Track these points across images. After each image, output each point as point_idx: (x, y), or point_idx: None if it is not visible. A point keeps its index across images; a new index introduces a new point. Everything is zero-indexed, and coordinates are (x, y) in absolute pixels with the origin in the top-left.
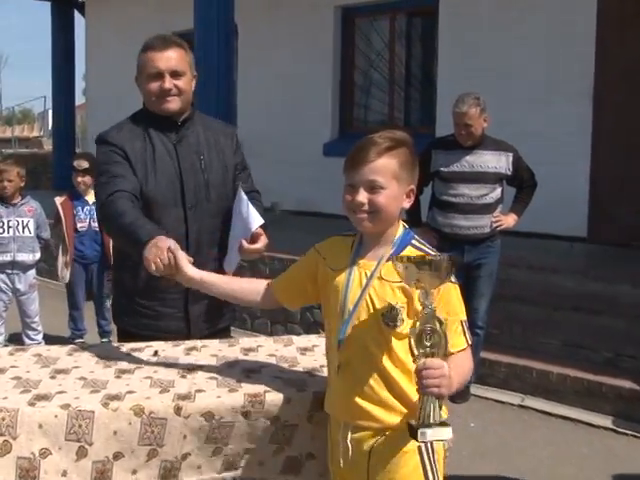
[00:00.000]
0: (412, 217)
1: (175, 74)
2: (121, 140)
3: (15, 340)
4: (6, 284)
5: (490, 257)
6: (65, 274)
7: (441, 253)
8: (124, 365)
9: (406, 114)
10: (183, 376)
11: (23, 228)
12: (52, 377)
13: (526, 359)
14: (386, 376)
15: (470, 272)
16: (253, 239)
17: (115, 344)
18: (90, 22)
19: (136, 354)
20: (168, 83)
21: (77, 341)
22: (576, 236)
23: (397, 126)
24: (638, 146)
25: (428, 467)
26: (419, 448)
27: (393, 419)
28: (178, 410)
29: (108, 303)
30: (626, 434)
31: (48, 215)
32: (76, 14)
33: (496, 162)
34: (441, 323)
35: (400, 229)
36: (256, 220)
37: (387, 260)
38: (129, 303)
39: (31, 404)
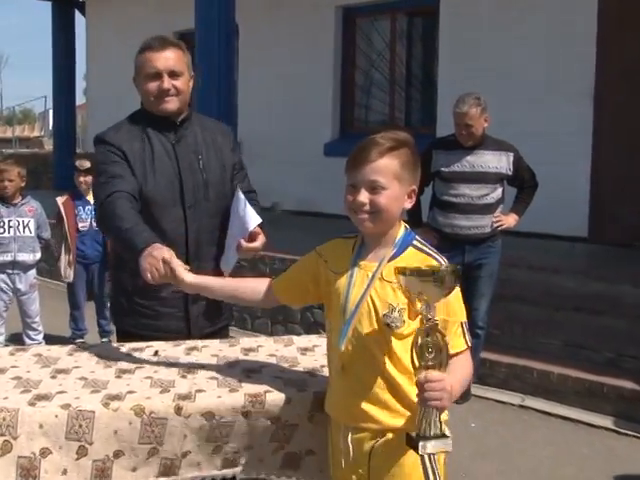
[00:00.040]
0: (413, 217)
1: (173, 74)
2: (119, 140)
3: (16, 340)
4: (7, 284)
5: (491, 257)
6: (69, 274)
7: (446, 264)
8: (125, 365)
9: (407, 114)
10: (183, 376)
11: (24, 228)
12: (52, 377)
13: (527, 359)
14: (387, 377)
15: (471, 272)
16: (251, 238)
17: (116, 344)
18: (91, 22)
19: (136, 354)
20: (166, 83)
21: (78, 341)
22: (577, 236)
23: (398, 126)
24: (639, 146)
25: (429, 468)
26: None
27: (394, 421)
28: (178, 410)
29: (109, 303)
30: (627, 435)
31: (49, 215)
32: (77, 14)
33: (497, 162)
34: (443, 336)
35: (401, 230)
36: (254, 219)
37: (388, 261)
38: (128, 303)
39: (31, 404)
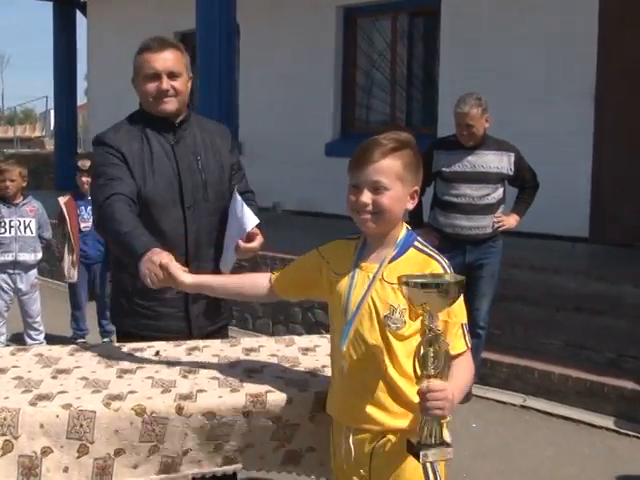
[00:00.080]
0: (414, 218)
1: (172, 75)
2: (118, 141)
3: (17, 340)
4: (8, 284)
5: (492, 257)
6: (73, 274)
7: (450, 272)
8: (126, 365)
9: (408, 114)
10: (185, 376)
11: (25, 228)
12: (53, 377)
13: (528, 359)
14: (388, 379)
15: (472, 272)
16: (249, 238)
17: (117, 344)
18: (92, 22)
19: (138, 354)
20: (165, 84)
21: (79, 341)
22: (578, 236)
23: (399, 126)
24: None
25: (429, 468)
26: None
27: (394, 422)
28: (180, 410)
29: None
30: (628, 435)
31: (50, 215)
32: (78, 14)
33: (498, 162)
34: (446, 345)
35: (403, 231)
36: (251, 220)
37: (389, 262)
38: (128, 304)
39: (32, 404)
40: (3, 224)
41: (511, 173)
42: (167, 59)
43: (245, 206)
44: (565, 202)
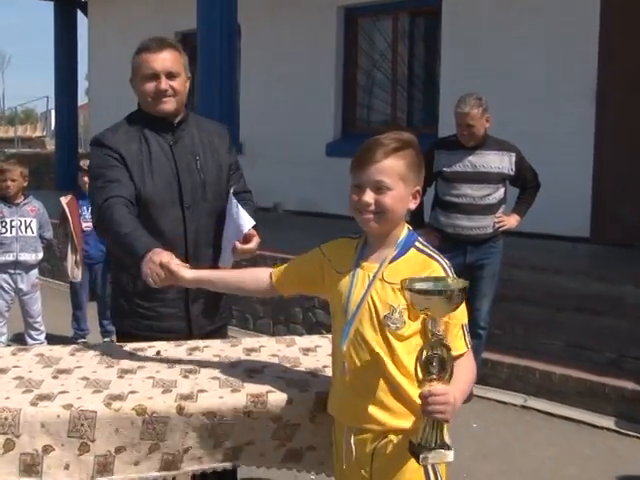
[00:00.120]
0: (415, 218)
1: (170, 75)
2: (117, 143)
3: (18, 340)
4: (9, 284)
5: (492, 257)
6: (77, 274)
7: (453, 276)
8: (126, 365)
9: (409, 114)
10: (185, 376)
11: (26, 228)
12: (54, 377)
13: (528, 360)
14: (389, 378)
15: (472, 272)
16: (246, 239)
17: (118, 344)
18: (93, 22)
19: (138, 354)
20: (164, 84)
21: (80, 341)
22: (579, 236)
23: (400, 126)
24: None
25: (430, 469)
26: None
27: (396, 422)
28: (180, 410)
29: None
30: (629, 435)
31: (50, 215)
32: (79, 14)
33: (499, 162)
34: (448, 349)
35: (404, 231)
36: (247, 222)
37: (390, 262)
38: (128, 304)
39: (33, 404)
40: (4, 224)
41: (512, 173)
42: (165, 59)
43: (240, 208)
44: (565, 202)
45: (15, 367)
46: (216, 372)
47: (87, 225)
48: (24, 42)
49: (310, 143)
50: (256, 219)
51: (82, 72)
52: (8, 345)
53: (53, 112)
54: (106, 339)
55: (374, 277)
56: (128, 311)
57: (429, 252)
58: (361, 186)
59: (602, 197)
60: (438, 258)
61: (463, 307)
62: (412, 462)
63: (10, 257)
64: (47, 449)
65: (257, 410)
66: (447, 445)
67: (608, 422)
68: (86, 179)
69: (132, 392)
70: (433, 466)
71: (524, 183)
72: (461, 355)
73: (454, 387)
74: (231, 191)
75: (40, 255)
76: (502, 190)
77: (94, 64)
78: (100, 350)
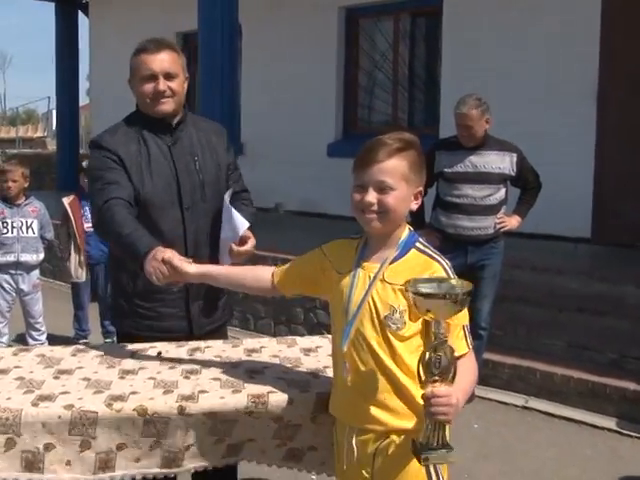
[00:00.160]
0: (416, 218)
1: (168, 76)
2: (115, 144)
3: (19, 340)
4: (10, 284)
5: (494, 258)
6: (81, 274)
7: (457, 279)
8: (128, 366)
9: (410, 115)
10: (187, 377)
11: (27, 228)
12: (56, 377)
13: (530, 360)
14: (390, 379)
15: (473, 273)
16: (241, 241)
17: (119, 345)
18: (94, 23)
19: (140, 355)
20: (162, 85)
21: (81, 342)
22: (580, 237)
23: (401, 127)
24: None
25: (431, 469)
26: None
27: (398, 422)
28: (181, 411)
29: None
30: (630, 436)
31: (52, 215)
32: (80, 14)
33: (500, 162)
34: (451, 351)
35: (405, 231)
36: (242, 224)
37: (390, 263)
38: (128, 305)
39: (34, 404)
40: (5, 225)
41: (513, 174)
42: (164, 60)
43: (234, 211)
44: (566, 203)
45: (16, 368)
46: (217, 373)
47: (89, 226)
48: (25, 42)
49: (311, 143)
50: (255, 219)
51: (83, 72)
52: (9, 346)
53: (54, 112)
54: (107, 340)
55: (375, 277)
56: (128, 311)
57: (430, 253)
58: (364, 186)
59: (603, 194)
60: (439, 259)
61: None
62: (414, 462)
63: (11, 258)
64: (48, 446)
65: (258, 410)
66: (449, 446)
67: (609, 423)
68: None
69: (133, 393)
70: (435, 466)
71: (525, 184)
72: (462, 356)
73: (456, 388)
74: (225, 196)
75: (41, 256)
76: (503, 191)
77: (95, 65)
78: (101, 351)
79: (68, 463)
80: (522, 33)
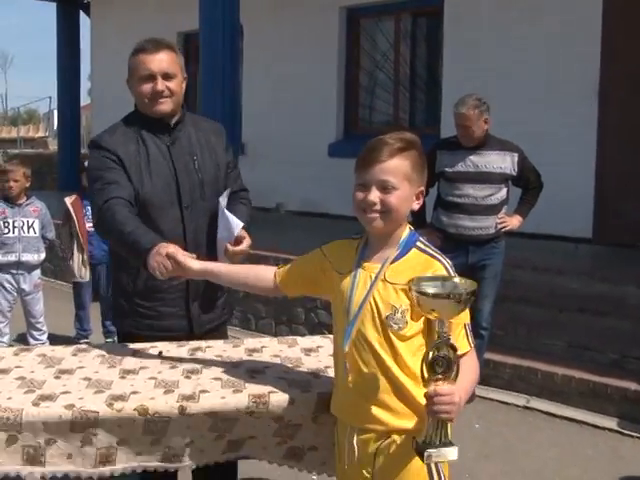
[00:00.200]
0: (417, 218)
1: (167, 76)
2: (114, 144)
3: (20, 340)
4: (11, 284)
5: (495, 258)
6: (84, 273)
7: (460, 278)
8: (128, 365)
9: (411, 115)
10: (187, 377)
11: (28, 228)
12: (56, 377)
13: (531, 360)
14: (392, 379)
15: (474, 273)
16: (237, 241)
17: (120, 344)
18: (95, 23)
19: (141, 355)
20: (160, 85)
21: (82, 341)
22: (581, 237)
23: (402, 127)
24: None
25: (433, 469)
26: None
27: (399, 422)
28: (182, 410)
29: None
30: (631, 436)
31: (53, 215)
32: (81, 14)
33: (501, 162)
34: (454, 350)
35: (406, 231)
36: (236, 225)
37: (391, 262)
38: (129, 304)
39: (35, 404)
40: (7, 224)
41: (514, 173)
42: (162, 60)
43: (228, 212)
44: (567, 203)
45: (17, 367)
46: (218, 372)
47: (91, 225)
48: (26, 42)
49: (312, 143)
50: (252, 218)
51: (84, 72)
52: (10, 345)
53: (56, 112)
54: (108, 339)
55: (376, 277)
56: (128, 311)
57: (431, 252)
58: (366, 185)
59: (604, 194)
60: (440, 258)
61: None
62: (415, 462)
63: (12, 257)
64: (50, 441)
65: (259, 410)
66: (451, 443)
67: (610, 423)
68: None
69: (134, 392)
70: (436, 466)
71: (526, 183)
72: (464, 354)
73: (458, 386)
74: (220, 198)
75: (42, 255)
76: (504, 190)
77: (96, 64)
78: (102, 350)
79: (69, 456)
80: (522, 33)
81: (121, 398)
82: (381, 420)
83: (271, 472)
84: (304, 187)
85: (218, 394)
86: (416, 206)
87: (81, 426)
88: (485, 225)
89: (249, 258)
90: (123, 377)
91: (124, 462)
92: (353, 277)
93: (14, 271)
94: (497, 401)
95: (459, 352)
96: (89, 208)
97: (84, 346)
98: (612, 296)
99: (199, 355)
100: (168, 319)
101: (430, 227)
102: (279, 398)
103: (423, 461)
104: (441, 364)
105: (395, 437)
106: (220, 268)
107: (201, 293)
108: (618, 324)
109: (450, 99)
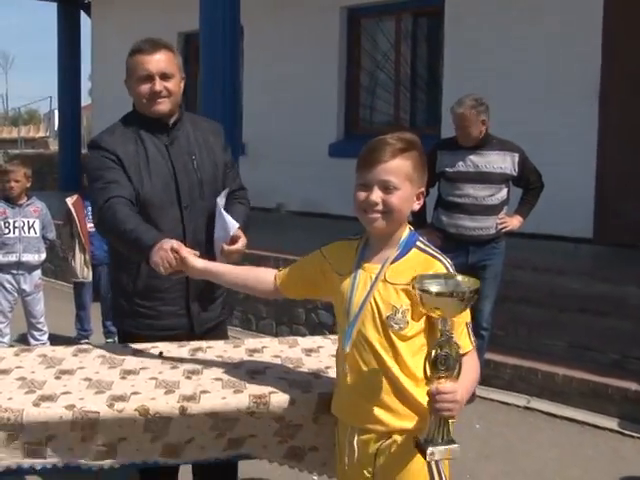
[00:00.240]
0: (417, 218)
1: (164, 76)
2: (114, 145)
3: (21, 340)
4: (12, 284)
5: (495, 258)
6: (87, 274)
7: (463, 277)
8: (129, 366)
9: (412, 115)
10: (188, 377)
11: (29, 229)
12: (57, 378)
13: (531, 361)
14: (392, 379)
15: (475, 273)
16: (232, 241)
17: (120, 345)
18: (96, 23)
19: (141, 355)
20: (158, 85)
21: (83, 342)
22: (582, 237)
23: (403, 127)
24: None
25: (434, 469)
26: None
27: (399, 423)
28: (183, 411)
29: None
30: (632, 436)
31: (54, 216)
32: (82, 15)
33: (501, 162)
34: (457, 348)
35: (405, 231)
36: (232, 224)
37: (391, 263)
38: (129, 304)
39: (36, 405)
40: (7, 225)
41: (515, 174)
42: (160, 60)
43: (224, 212)
44: (567, 203)
45: (18, 368)
46: (219, 373)
47: (91, 226)
48: (27, 43)
49: (313, 144)
50: (250, 217)
51: (85, 73)
52: (11, 346)
53: (56, 113)
54: (109, 340)
55: (376, 278)
56: (129, 311)
57: (431, 252)
58: (368, 185)
59: (605, 194)
60: (440, 257)
61: None
62: (416, 462)
63: (13, 258)
64: (51, 437)
65: (259, 411)
66: (453, 440)
67: (611, 423)
68: None
69: (135, 393)
70: (437, 466)
71: (527, 184)
72: (465, 354)
73: (460, 384)
74: (218, 199)
75: (43, 256)
76: (505, 191)
77: (97, 65)
78: (103, 351)
79: (71, 450)
80: (522, 33)
81: (122, 398)
82: (382, 420)
83: (272, 472)
84: (305, 187)
85: (219, 394)
86: (416, 207)
87: (82, 427)
88: (485, 225)
89: (249, 258)
90: (124, 377)
91: (125, 456)
92: (353, 278)
93: (15, 271)
94: (498, 401)
95: (462, 351)
96: (89, 209)
97: (85, 346)
98: (613, 296)
99: (200, 355)
100: (168, 318)
101: (430, 227)
102: (280, 398)
103: (425, 459)
104: (444, 362)
105: (396, 437)
106: (221, 269)
107: (201, 292)
108: (619, 324)
109: (450, 99)
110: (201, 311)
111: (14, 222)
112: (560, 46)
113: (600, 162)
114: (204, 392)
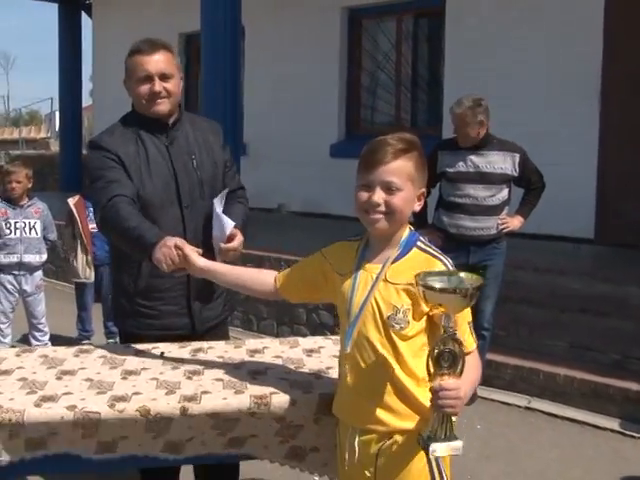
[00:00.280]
0: (419, 219)
1: (164, 77)
2: (114, 145)
3: (22, 341)
4: (13, 285)
5: (496, 259)
6: (89, 274)
7: (466, 274)
8: (130, 366)
9: (413, 115)
10: (189, 377)
11: (30, 229)
12: (58, 378)
13: (533, 361)
14: (393, 379)
15: (475, 274)
16: (229, 239)
17: (121, 345)
18: (97, 24)
19: (142, 355)
20: (158, 86)
21: (84, 342)
22: (583, 237)
23: (404, 127)
24: None
25: (435, 469)
26: None
27: (401, 423)
28: (184, 411)
29: None
30: (633, 436)
31: (55, 216)
32: (83, 15)
33: (502, 163)
34: (460, 345)
35: (406, 231)
36: (228, 224)
37: (392, 263)
38: (130, 304)
39: (37, 405)
40: (8, 225)
41: (516, 174)
42: (159, 61)
43: (220, 212)
44: (568, 203)
45: (19, 368)
46: (220, 373)
47: (93, 226)
48: (28, 44)
49: (314, 144)
50: (249, 216)
51: (86, 74)
52: (12, 346)
53: (57, 113)
54: (110, 340)
55: (377, 278)
56: (130, 311)
57: (431, 251)
58: (370, 186)
59: (606, 195)
60: (441, 257)
61: None
62: (417, 462)
63: (14, 258)
64: (52, 433)
65: (260, 411)
66: (456, 437)
67: (612, 423)
68: None
69: (136, 393)
70: (438, 466)
71: (528, 184)
72: (469, 352)
73: (463, 381)
74: (215, 199)
75: (44, 256)
76: (506, 191)
77: (98, 66)
78: (104, 351)
79: (72, 443)
80: (522, 33)
81: (123, 399)
82: (383, 421)
83: (273, 473)
84: (306, 188)
85: (220, 395)
86: (417, 207)
87: (83, 427)
88: (486, 226)
89: (250, 259)
90: (125, 378)
91: (126, 450)
92: (354, 279)
93: (16, 272)
94: (499, 402)
95: (464, 349)
96: (91, 209)
97: (86, 347)
98: (614, 296)
99: (201, 356)
100: (170, 318)
101: (431, 227)
102: (281, 399)
103: (428, 455)
104: (447, 358)
105: (397, 438)
106: (222, 269)
107: (202, 291)
108: (620, 324)
109: (451, 99)
110: (202, 310)
111: (15, 223)
112: (560, 46)
113: (601, 162)
114: (205, 392)
